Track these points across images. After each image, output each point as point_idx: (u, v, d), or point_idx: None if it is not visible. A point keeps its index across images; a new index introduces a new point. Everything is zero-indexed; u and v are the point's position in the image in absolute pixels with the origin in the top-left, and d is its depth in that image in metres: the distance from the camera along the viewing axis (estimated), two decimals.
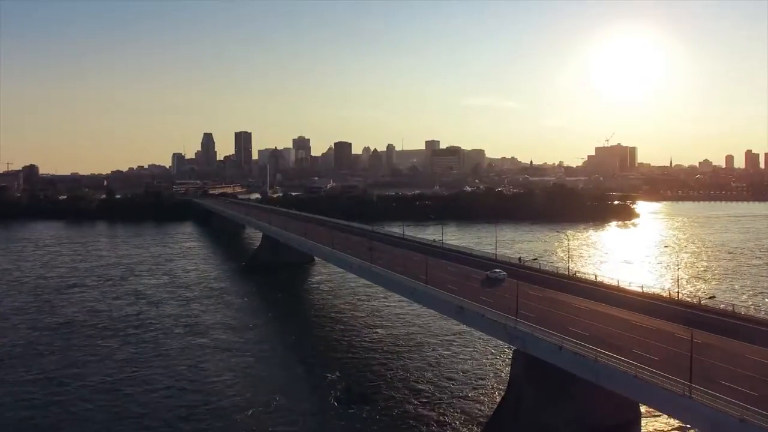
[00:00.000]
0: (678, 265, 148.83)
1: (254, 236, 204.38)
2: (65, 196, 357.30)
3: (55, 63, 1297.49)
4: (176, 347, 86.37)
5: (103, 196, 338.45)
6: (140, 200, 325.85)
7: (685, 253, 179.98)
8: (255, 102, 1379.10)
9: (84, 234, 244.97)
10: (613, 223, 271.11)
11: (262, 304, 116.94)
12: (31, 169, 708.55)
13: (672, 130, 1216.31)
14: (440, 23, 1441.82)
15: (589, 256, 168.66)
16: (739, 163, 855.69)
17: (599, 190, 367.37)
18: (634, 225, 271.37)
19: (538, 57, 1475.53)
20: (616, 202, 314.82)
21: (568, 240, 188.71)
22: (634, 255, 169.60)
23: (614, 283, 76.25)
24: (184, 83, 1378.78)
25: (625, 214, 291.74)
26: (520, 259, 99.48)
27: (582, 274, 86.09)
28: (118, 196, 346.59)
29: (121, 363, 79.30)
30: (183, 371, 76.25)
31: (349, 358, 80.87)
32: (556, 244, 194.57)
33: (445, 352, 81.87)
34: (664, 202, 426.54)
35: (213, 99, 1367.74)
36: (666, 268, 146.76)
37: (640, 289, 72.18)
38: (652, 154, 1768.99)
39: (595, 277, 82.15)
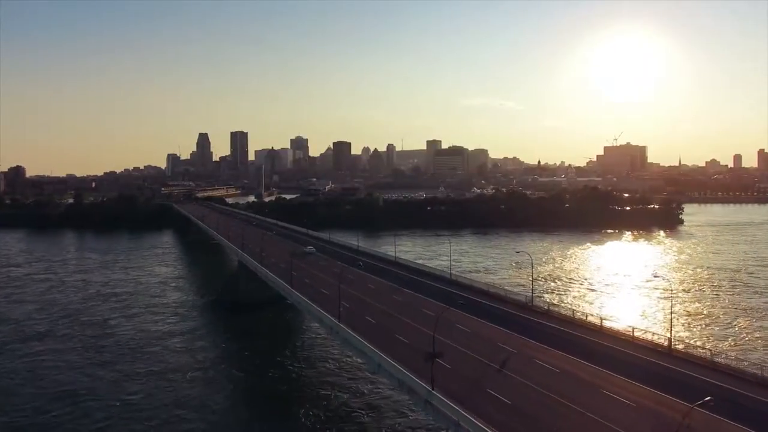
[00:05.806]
0: None
1: None
2: (30, 201, 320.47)
3: (52, 63, 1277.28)
4: None
5: (71, 201, 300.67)
6: (113, 206, 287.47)
7: None
8: (252, 101, 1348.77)
9: (43, 247, 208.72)
10: (661, 233, 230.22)
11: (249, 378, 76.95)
12: (17, 171, 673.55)
13: (674, 129, 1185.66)
14: (440, 23, 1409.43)
15: None
16: (747, 161, 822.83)
17: (618, 192, 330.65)
18: (692, 235, 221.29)
19: (538, 57, 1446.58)
20: (656, 206, 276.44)
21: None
22: None
23: None
24: (181, 82, 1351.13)
25: (669, 221, 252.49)
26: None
27: None
28: (91, 199, 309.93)
29: None
30: None
31: None
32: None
33: None
34: (688, 204, 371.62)
35: (209, 98, 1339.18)
36: None
37: None
38: (655, 153, 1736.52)
39: None
